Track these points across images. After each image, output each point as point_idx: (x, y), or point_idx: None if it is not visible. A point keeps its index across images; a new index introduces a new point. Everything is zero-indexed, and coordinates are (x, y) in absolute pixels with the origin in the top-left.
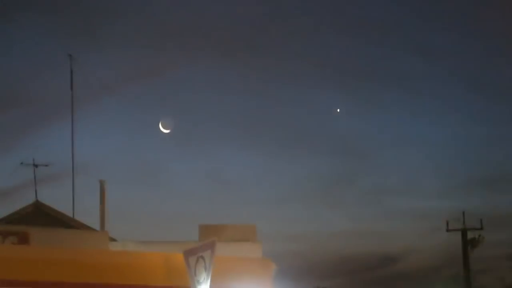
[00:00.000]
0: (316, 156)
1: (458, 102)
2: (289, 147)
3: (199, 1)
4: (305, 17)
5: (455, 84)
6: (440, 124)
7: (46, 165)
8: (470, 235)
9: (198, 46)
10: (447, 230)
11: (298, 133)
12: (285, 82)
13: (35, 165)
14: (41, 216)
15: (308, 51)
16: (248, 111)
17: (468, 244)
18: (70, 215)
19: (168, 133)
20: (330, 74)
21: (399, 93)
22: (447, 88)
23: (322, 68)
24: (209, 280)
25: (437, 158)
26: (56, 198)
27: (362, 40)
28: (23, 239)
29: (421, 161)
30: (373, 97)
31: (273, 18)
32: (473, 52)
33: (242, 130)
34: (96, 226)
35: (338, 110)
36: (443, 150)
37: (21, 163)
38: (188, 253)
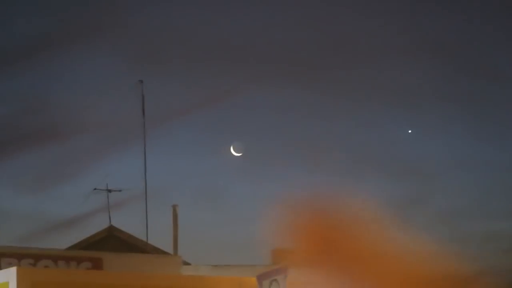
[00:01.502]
0: (384, 179)
1: None
2: (358, 170)
3: (263, 26)
4: (372, 39)
5: None
6: (508, 144)
7: (120, 190)
8: None
9: (265, 70)
10: None
11: (366, 157)
12: (351, 106)
13: (109, 191)
14: (114, 241)
15: (374, 75)
16: (316, 134)
17: None
18: (144, 239)
19: (239, 156)
20: (395, 97)
21: (463, 116)
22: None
23: (387, 91)
24: None
25: (506, 178)
26: (129, 223)
27: (428, 62)
28: (97, 265)
29: (489, 183)
30: (438, 120)
31: (340, 41)
32: None
33: (309, 153)
34: (169, 250)
35: (410, 131)
36: (510, 171)
37: (95, 189)
38: (261, 277)
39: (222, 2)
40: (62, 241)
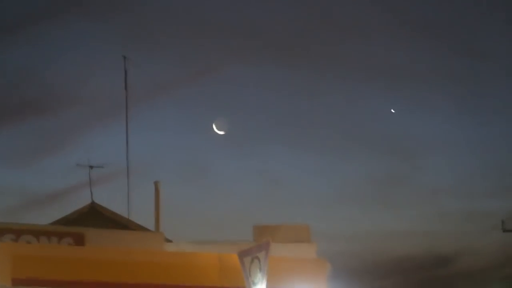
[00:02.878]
0: (368, 156)
1: (508, 102)
2: (341, 147)
3: (249, 3)
4: (358, 18)
5: (505, 83)
6: (492, 124)
7: (102, 167)
8: None
9: (250, 47)
10: (503, 230)
11: (350, 133)
12: (337, 82)
13: (91, 167)
14: (96, 217)
15: (360, 51)
16: (300, 111)
17: None
18: (125, 216)
19: (222, 134)
20: (382, 74)
21: (449, 93)
22: (497, 88)
23: (374, 68)
24: (264, 281)
25: (490, 157)
26: (111, 199)
27: (413, 41)
28: (79, 240)
29: (474, 161)
30: (424, 98)
31: (325, 19)
32: None
33: (294, 130)
34: (151, 226)
35: (393, 110)
36: (496, 149)
37: (77, 164)
38: (242, 254)
39: None
40: (44, 217)
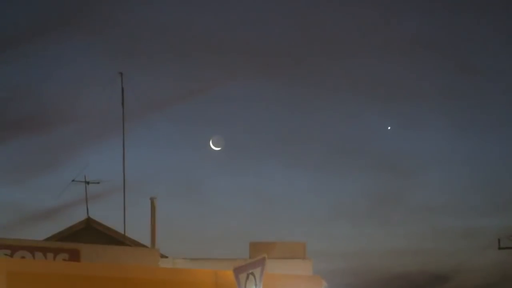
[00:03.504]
0: (363, 173)
1: (504, 119)
2: (337, 164)
3: (244, 20)
4: (354, 35)
5: (500, 100)
6: (487, 141)
7: (98, 182)
8: None
9: (246, 64)
10: (499, 248)
11: (346, 150)
12: (332, 100)
13: (87, 182)
14: (92, 233)
15: (356, 68)
16: (296, 128)
17: None
18: (121, 232)
19: (218, 150)
20: (377, 91)
21: (445, 110)
22: (492, 105)
23: (369, 85)
24: None
25: (485, 175)
26: (107, 215)
27: (409, 58)
28: (74, 256)
29: (469, 179)
30: (419, 115)
31: (321, 36)
32: None
33: (289, 147)
34: (147, 242)
35: (389, 127)
36: (490, 167)
37: (73, 180)
38: (238, 270)
39: None
40: (40, 232)
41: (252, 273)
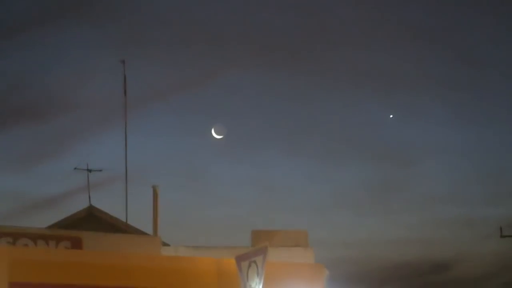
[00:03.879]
0: (365, 162)
1: (504, 108)
2: (337, 153)
3: (246, 9)
4: (354, 24)
5: (501, 90)
6: (488, 131)
7: (100, 170)
8: None
9: (247, 53)
10: (501, 236)
11: (347, 139)
12: (332, 89)
13: (89, 170)
14: (94, 221)
15: (356, 58)
16: (297, 117)
17: None
18: (123, 220)
19: (220, 138)
20: (378, 81)
21: (446, 100)
22: (493, 95)
23: (370, 75)
24: (261, 285)
25: (486, 165)
26: (109, 203)
27: (410, 48)
28: (76, 244)
29: (470, 168)
30: (420, 104)
31: (322, 25)
32: None
33: (290, 136)
34: (149, 231)
35: (391, 116)
36: (492, 156)
37: (75, 168)
38: (240, 258)
39: None
40: (42, 220)
41: (254, 261)
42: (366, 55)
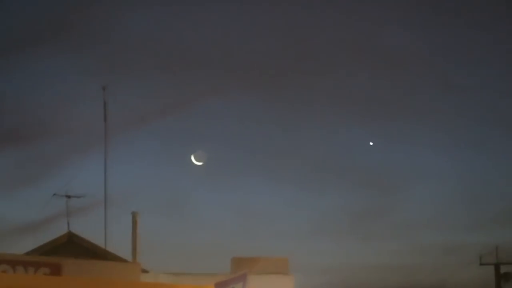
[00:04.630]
0: (346, 188)
1: (487, 137)
2: (319, 179)
3: (227, 35)
4: (335, 52)
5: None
6: (470, 158)
7: (79, 197)
8: (503, 269)
9: (227, 80)
10: (480, 264)
11: (328, 166)
12: (313, 116)
13: (68, 196)
14: (73, 247)
15: (336, 85)
16: (278, 144)
17: (501, 278)
18: (103, 246)
19: (200, 165)
20: (359, 107)
21: (426, 127)
22: (474, 123)
23: (351, 101)
24: None
25: (468, 192)
26: (88, 229)
27: (392, 74)
28: (56, 270)
29: (450, 195)
30: (400, 132)
31: (303, 53)
32: (504, 90)
33: (271, 163)
34: (128, 257)
35: (371, 143)
36: (473, 184)
37: (54, 194)
38: (220, 285)
39: (185, 12)
40: (21, 246)
41: None
42: (349, 81)
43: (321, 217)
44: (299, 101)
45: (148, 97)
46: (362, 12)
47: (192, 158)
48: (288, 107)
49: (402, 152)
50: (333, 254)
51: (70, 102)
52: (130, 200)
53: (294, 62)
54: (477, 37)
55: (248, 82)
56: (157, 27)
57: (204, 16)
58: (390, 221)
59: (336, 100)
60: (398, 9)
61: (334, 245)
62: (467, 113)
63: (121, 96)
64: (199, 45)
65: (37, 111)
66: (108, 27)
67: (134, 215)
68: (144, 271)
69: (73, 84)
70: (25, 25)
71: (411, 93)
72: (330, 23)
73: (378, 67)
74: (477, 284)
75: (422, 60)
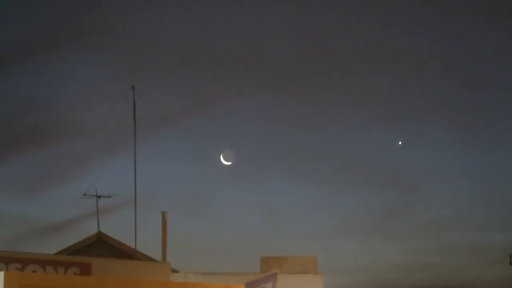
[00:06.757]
0: (370, 188)
1: (510, 134)
2: (344, 179)
3: (253, 36)
4: (360, 51)
5: (506, 116)
6: (493, 156)
7: (109, 196)
8: None
9: (254, 80)
10: (510, 263)
11: (353, 166)
12: (340, 114)
13: (98, 196)
14: (103, 247)
15: (362, 84)
16: (304, 144)
17: None
18: (132, 246)
19: (229, 164)
20: (383, 107)
21: (450, 126)
22: (498, 120)
23: (375, 101)
24: None
25: (492, 190)
26: (118, 229)
27: (415, 74)
28: (85, 270)
29: (476, 194)
30: (425, 131)
31: (328, 52)
32: None
33: (297, 162)
34: (158, 257)
35: (400, 142)
36: (498, 182)
37: (84, 194)
38: (250, 285)
39: (212, 13)
40: (51, 246)
41: None
42: (372, 81)
43: (346, 216)
44: (326, 101)
45: (177, 97)
46: (383, 12)
47: (221, 157)
48: (315, 107)
49: (427, 151)
50: (359, 254)
51: (99, 101)
52: (158, 200)
53: (319, 62)
54: (497, 36)
55: (274, 82)
56: (184, 28)
57: (230, 17)
58: (415, 220)
59: (361, 100)
60: (418, 9)
61: (360, 245)
62: (488, 112)
63: (150, 96)
64: (227, 45)
65: (65, 110)
66: (136, 28)
67: (163, 215)
68: (174, 270)
69: (102, 84)
70: (52, 25)
71: (435, 92)
72: (355, 23)
73: (402, 67)
74: (507, 283)
75: (447, 59)
